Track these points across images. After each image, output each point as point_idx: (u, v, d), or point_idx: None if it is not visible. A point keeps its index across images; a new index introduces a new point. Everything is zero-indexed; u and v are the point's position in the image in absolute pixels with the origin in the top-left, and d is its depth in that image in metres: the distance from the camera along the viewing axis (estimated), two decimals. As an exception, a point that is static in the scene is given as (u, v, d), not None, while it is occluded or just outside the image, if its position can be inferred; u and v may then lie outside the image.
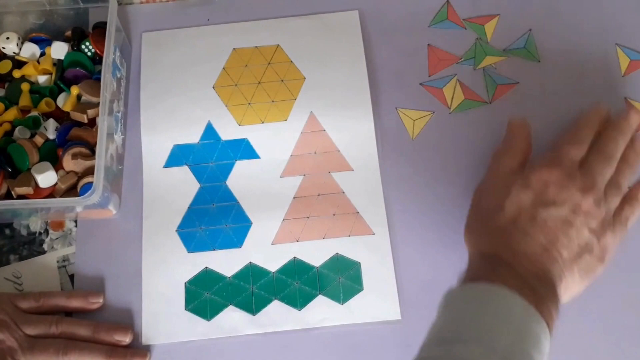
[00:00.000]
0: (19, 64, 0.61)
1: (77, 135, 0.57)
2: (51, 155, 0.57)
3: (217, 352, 0.54)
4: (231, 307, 0.55)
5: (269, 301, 0.55)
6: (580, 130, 0.52)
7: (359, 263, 0.56)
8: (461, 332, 0.41)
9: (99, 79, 0.56)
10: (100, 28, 0.61)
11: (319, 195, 0.58)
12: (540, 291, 0.44)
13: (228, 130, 0.60)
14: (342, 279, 0.55)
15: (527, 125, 0.54)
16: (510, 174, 0.51)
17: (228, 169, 0.59)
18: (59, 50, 0.61)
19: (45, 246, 0.57)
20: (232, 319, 0.54)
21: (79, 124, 0.58)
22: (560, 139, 0.52)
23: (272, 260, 0.56)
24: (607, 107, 0.54)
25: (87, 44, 0.61)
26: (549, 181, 0.48)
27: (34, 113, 0.58)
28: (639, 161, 0.52)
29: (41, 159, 0.56)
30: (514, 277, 0.44)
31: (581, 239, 0.47)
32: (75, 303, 0.54)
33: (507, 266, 0.45)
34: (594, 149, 0.50)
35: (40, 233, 0.58)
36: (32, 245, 0.58)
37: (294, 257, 0.56)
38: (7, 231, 0.58)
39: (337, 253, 0.56)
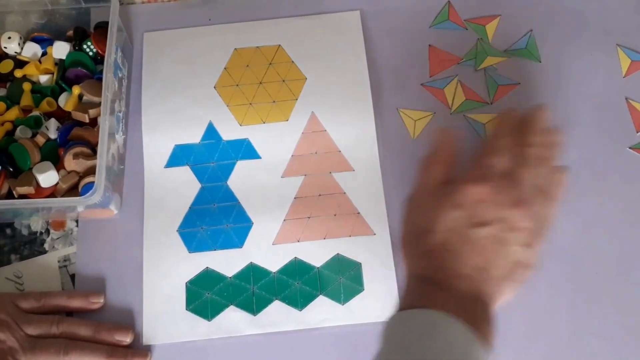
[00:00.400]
0: (20, 63, 0.61)
1: (78, 135, 0.57)
2: (52, 155, 0.57)
3: (218, 352, 0.54)
4: (232, 307, 0.55)
5: (269, 301, 0.55)
6: (500, 139, 0.51)
7: (360, 263, 0.56)
8: None
9: (100, 79, 0.56)
10: (102, 28, 0.61)
11: (319, 195, 0.58)
12: (476, 312, 0.44)
13: (229, 130, 0.60)
14: (342, 279, 0.55)
15: (450, 135, 0.53)
16: (438, 187, 0.50)
17: (229, 169, 0.59)
18: (60, 49, 0.61)
19: (46, 246, 0.57)
20: (232, 319, 0.54)
21: (81, 124, 0.58)
22: (481, 150, 0.52)
23: (273, 261, 0.56)
24: (519, 111, 0.54)
25: (89, 43, 0.61)
26: (478, 199, 0.47)
27: (36, 113, 0.58)
28: (555, 159, 0.52)
29: (42, 159, 0.56)
30: (450, 300, 0.44)
31: (512, 255, 0.47)
32: (76, 303, 0.54)
33: (443, 289, 0.45)
34: (517, 158, 0.50)
35: (41, 233, 0.58)
36: (33, 245, 0.58)
37: (295, 258, 0.56)
38: (8, 231, 0.58)
39: (337, 253, 0.56)
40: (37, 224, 0.58)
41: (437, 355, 0.41)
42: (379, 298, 0.54)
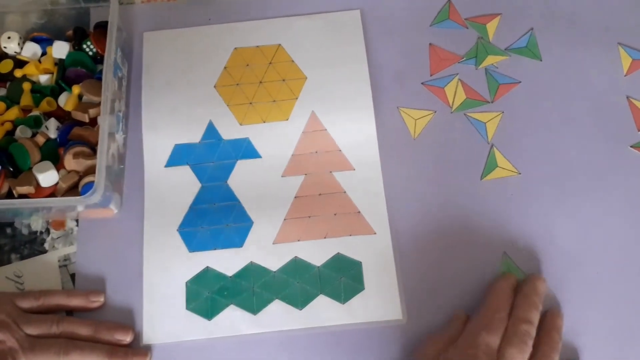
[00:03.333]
0: (20, 63, 0.61)
1: (78, 135, 0.57)
2: (52, 155, 0.57)
3: (218, 352, 0.53)
4: (232, 307, 0.54)
5: (270, 301, 0.55)
6: (495, 313, 0.50)
7: (360, 262, 0.55)
8: None
9: (100, 79, 0.56)
10: (102, 27, 0.61)
11: (320, 194, 0.58)
12: None
13: (229, 130, 0.60)
14: (343, 278, 0.55)
15: (463, 317, 0.53)
16: (431, 358, 0.49)
17: (229, 168, 0.59)
18: (60, 49, 0.61)
19: (46, 245, 0.57)
20: (233, 318, 0.54)
21: (81, 124, 0.58)
22: (475, 322, 0.51)
23: (273, 260, 0.56)
24: (514, 277, 0.54)
25: (89, 43, 0.61)
26: None
27: (36, 112, 0.58)
28: (557, 341, 0.51)
29: (42, 158, 0.56)
30: None
31: None
32: (75, 302, 0.54)
33: None
34: (509, 333, 0.49)
35: (41, 232, 0.58)
36: (33, 245, 0.58)
37: (295, 257, 0.56)
38: (9, 230, 0.58)
39: (338, 252, 0.56)
40: (37, 224, 0.58)
41: None
42: (379, 297, 0.54)
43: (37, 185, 0.55)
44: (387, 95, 0.61)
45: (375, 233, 0.56)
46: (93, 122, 0.58)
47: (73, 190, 0.56)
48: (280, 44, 0.63)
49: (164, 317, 0.54)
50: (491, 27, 0.63)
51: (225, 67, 0.62)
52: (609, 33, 0.63)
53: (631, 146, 0.59)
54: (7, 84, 0.60)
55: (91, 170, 0.56)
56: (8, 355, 0.49)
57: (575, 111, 0.60)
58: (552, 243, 0.56)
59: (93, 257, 0.56)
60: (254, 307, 0.54)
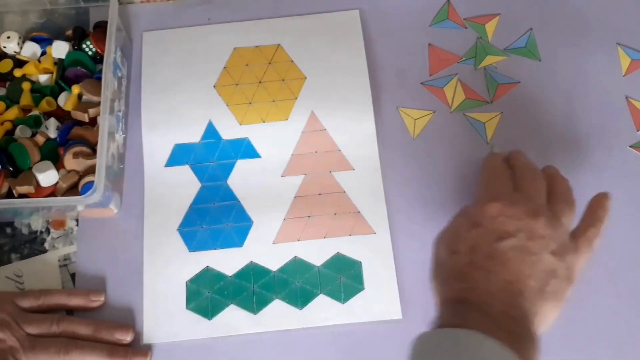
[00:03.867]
0: (20, 63, 0.61)
1: (78, 134, 0.57)
2: (52, 154, 0.57)
3: (218, 351, 0.54)
4: (232, 306, 0.55)
5: (270, 300, 0.55)
6: (493, 169, 0.52)
7: (360, 262, 0.56)
8: None
9: (100, 78, 0.56)
10: (101, 27, 0.61)
11: (319, 194, 0.58)
12: (515, 330, 0.42)
13: (229, 130, 0.60)
14: (343, 278, 0.55)
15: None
16: (457, 217, 0.50)
17: (229, 168, 0.59)
18: (59, 49, 0.61)
19: (46, 245, 0.57)
20: (233, 318, 0.54)
21: (80, 123, 0.58)
22: (480, 186, 0.52)
23: (273, 260, 0.56)
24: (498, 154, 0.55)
25: (88, 43, 0.61)
26: (495, 215, 0.46)
27: (35, 112, 0.58)
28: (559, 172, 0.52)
29: (42, 158, 0.56)
30: (485, 320, 0.42)
31: (544, 264, 0.44)
32: (76, 301, 0.54)
33: (476, 310, 0.43)
34: (517, 173, 0.50)
35: (41, 232, 0.58)
36: (33, 244, 0.58)
37: (295, 257, 0.56)
38: (9, 230, 0.58)
39: (338, 252, 0.56)
40: (37, 223, 0.58)
41: None
42: (379, 297, 0.54)
43: (37, 185, 0.55)
44: (386, 95, 0.61)
45: (374, 233, 0.56)
46: (93, 121, 0.58)
47: (73, 189, 0.56)
48: (279, 44, 0.63)
49: (164, 316, 0.54)
50: (490, 27, 0.64)
51: (224, 67, 0.62)
52: (607, 33, 0.63)
53: (630, 146, 0.59)
54: (7, 84, 0.60)
55: (91, 170, 0.56)
56: (9, 354, 0.50)
57: (574, 111, 0.60)
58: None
59: (93, 257, 0.57)
60: (254, 306, 0.54)
